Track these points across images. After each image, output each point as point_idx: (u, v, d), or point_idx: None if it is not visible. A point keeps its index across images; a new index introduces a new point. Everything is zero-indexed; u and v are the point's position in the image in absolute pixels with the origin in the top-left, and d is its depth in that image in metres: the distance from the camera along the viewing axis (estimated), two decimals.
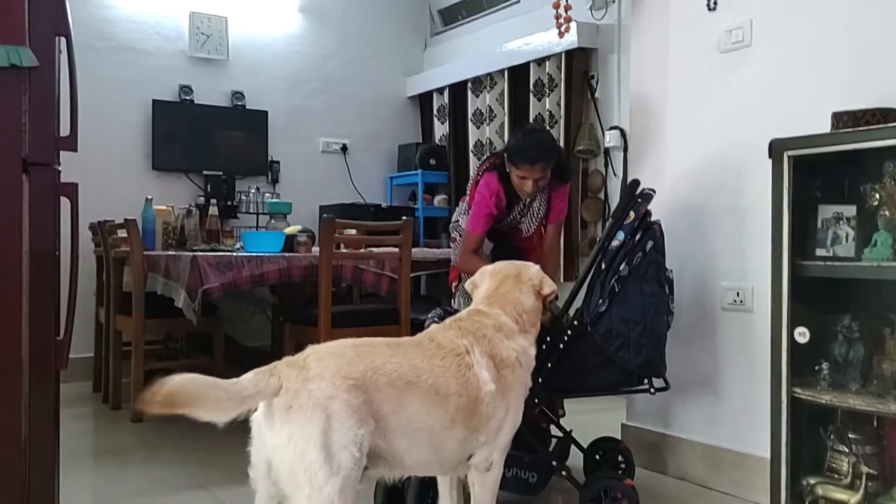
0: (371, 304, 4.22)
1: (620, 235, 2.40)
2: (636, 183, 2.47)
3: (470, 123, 5.21)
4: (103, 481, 2.94)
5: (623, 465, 2.75)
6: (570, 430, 2.69)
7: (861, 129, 2.09)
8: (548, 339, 2.37)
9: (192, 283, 3.36)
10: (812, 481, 2.19)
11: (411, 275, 4.52)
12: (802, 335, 2.12)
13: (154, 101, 4.77)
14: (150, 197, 4.16)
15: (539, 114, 4.70)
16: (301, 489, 1.61)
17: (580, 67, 4.56)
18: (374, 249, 3.75)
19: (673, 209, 2.97)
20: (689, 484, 2.83)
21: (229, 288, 3.42)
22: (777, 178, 2.17)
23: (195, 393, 1.61)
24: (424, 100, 5.70)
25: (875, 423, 2.16)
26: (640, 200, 2.44)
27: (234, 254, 3.54)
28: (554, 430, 2.74)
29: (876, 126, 2.08)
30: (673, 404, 2.93)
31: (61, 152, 1.87)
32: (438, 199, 5.42)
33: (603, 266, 2.41)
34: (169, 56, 4.85)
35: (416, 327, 2.77)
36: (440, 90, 5.49)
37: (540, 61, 4.70)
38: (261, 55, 5.14)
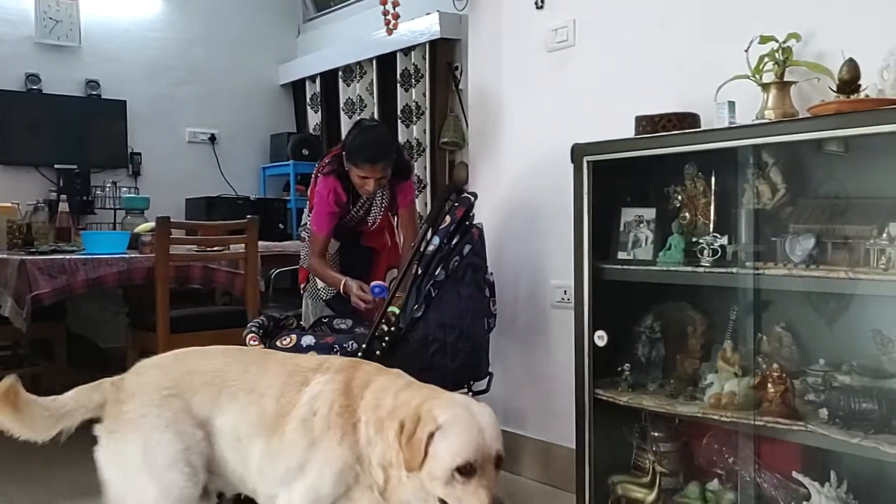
0: (220, 307, 4.11)
1: (436, 240, 2.38)
2: (450, 188, 2.46)
3: (342, 113, 5.11)
4: None
5: None
6: None
7: (656, 135, 2.11)
8: (363, 346, 2.34)
9: (20, 290, 3.18)
10: (616, 479, 2.23)
11: (278, 270, 4.46)
12: (601, 339, 2.15)
13: None
14: None
15: (407, 104, 4.63)
16: None
17: (444, 58, 4.49)
18: (233, 247, 3.63)
19: (511, 208, 2.97)
20: (526, 480, 2.87)
21: (62, 293, 3.25)
22: (578, 183, 2.19)
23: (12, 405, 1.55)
24: (298, 88, 5.54)
25: (676, 421, 2.21)
26: (456, 204, 2.42)
27: (69, 257, 3.37)
28: None
29: (671, 132, 2.11)
30: (510, 402, 2.96)
31: None
32: None
33: (419, 271, 2.38)
34: (13, 43, 4.54)
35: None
36: (312, 78, 5.35)
37: (406, 51, 4.62)
38: (117, 41, 4.88)
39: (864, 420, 1.73)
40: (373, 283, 2.68)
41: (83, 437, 1.67)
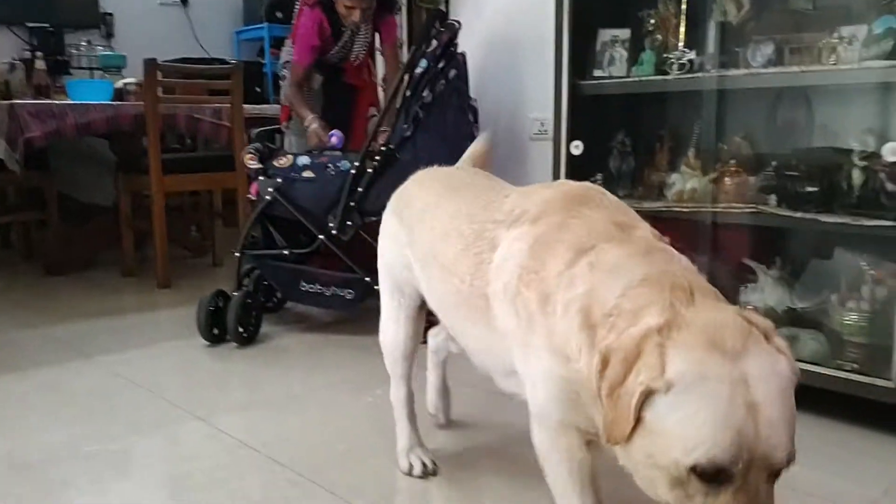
0: (208, 153, 4.21)
1: (423, 63, 2.51)
2: (437, 13, 2.57)
3: None
4: None
5: None
6: None
7: None
8: (356, 164, 2.51)
9: (12, 133, 3.25)
10: None
11: (258, 130, 4.54)
12: (577, 147, 2.34)
13: None
14: None
15: None
16: None
17: None
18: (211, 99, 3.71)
19: (490, 44, 3.10)
20: None
21: (53, 137, 3.34)
22: (558, 3, 2.32)
23: None
24: None
25: None
26: (442, 30, 2.54)
27: (58, 102, 3.43)
28: None
29: None
30: None
31: None
32: None
33: (408, 93, 2.52)
34: None
35: None
36: None
37: None
38: None
39: (808, 201, 1.97)
40: (332, 132, 2.80)
41: None
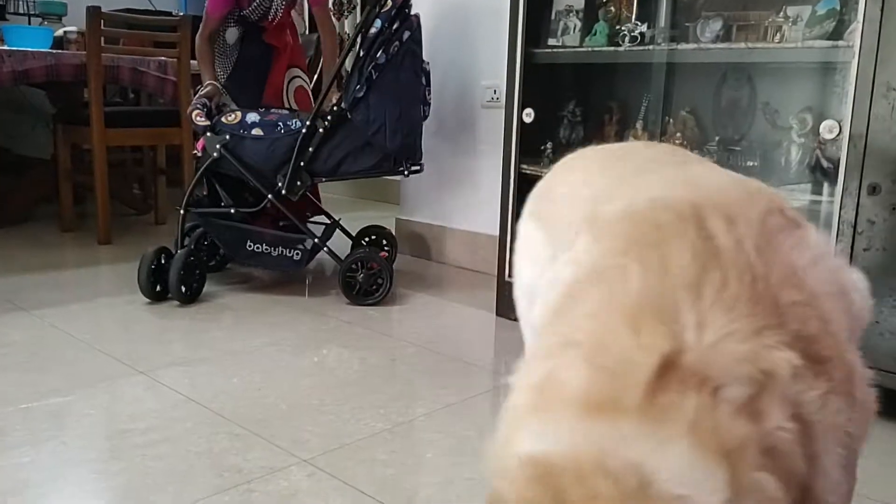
0: (153, 107, 4.10)
1: (378, 23, 2.49)
2: None
3: None
4: None
5: (387, 248, 3.01)
6: (339, 219, 2.87)
7: None
8: (307, 123, 2.48)
9: None
10: None
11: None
12: (528, 115, 2.36)
13: None
14: None
15: None
16: None
17: None
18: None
19: (441, 8, 3.08)
20: (454, 268, 3.16)
21: None
22: None
23: None
24: None
25: None
26: None
27: None
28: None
29: None
30: (440, 199, 3.19)
31: None
32: None
33: (360, 53, 2.50)
34: None
35: None
36: None
37: None
38: None
39: (749, 175, 2.03)
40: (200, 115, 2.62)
41: None
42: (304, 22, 4.95)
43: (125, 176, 4.32)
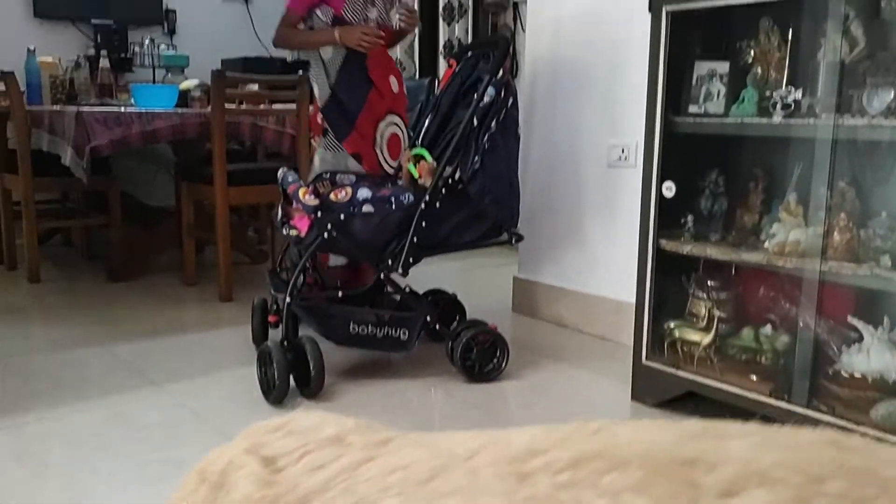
0: (273, 163, 4.15)
1: (492, 91, 2.40)
2: (511, 38, 2.45)
3: None
4: (4, 339, 2.92)
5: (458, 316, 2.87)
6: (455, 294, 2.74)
7: None
8: (426, 199, 2.38)
9: (78, 140, 3.24)
10: (672, 324, 2.36)
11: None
12: (669, 189, 2.21)
13: None
14: (32, 48, 3.89)
15: None
16: None
17: None
18: (276, 106, 3.66)
19: (563, 69, 2.97)
20: (571, 331, 3.02)
21: (119, 146, 3.32)
22: (655, 33, 2.18)
23: None
24: None
25: (732, 271, 2.32)
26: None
27: (124, 109, 3.40)
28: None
29: None
30: (557, 258, 3.07)
31: None
32: None
33: (475, 123, 2.40)
34: None
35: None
36: None
37: None
38: None
39: None
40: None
41: None
42: (415, 63, 4.94)
43: (242, 224, 4.40)
